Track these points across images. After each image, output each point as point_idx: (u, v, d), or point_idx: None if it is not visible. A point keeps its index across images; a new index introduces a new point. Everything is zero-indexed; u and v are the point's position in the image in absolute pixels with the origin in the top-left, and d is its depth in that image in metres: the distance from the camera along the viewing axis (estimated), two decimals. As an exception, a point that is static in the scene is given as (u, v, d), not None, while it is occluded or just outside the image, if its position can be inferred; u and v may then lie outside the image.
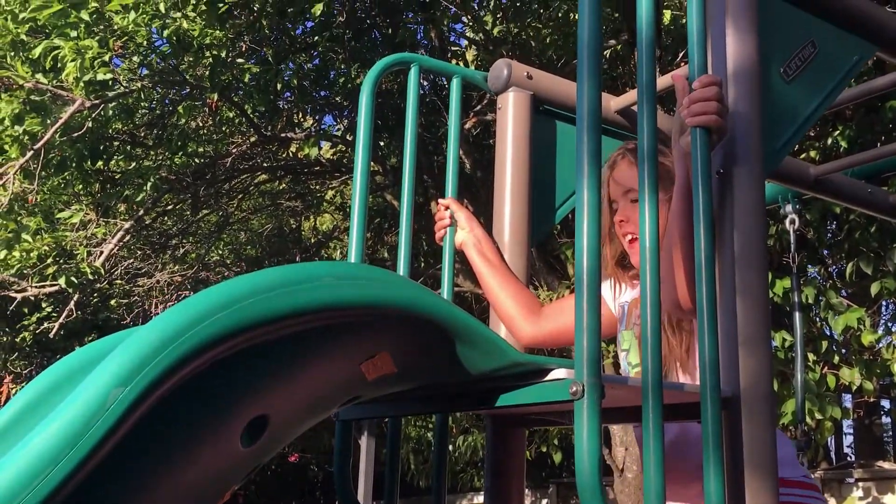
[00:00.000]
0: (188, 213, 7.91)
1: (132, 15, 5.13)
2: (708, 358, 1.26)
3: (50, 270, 5.91)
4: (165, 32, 5.35)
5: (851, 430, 12.26)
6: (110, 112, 6.18)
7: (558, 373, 1.25)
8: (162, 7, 5.23)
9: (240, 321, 0.98)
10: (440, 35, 6.68)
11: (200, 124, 7.40)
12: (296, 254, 9.13)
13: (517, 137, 1.99)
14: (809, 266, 7.06)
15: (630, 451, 6.11)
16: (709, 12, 1.48)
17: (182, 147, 6.72)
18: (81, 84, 5.14)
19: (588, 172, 1.21)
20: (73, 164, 6.18)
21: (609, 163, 1.85)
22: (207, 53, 5.61)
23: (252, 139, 7.32)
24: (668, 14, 5.96)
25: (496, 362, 1.25)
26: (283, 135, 6.99)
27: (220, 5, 5.34)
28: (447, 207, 1.97)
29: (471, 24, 6.81)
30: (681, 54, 6.10)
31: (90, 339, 9.03)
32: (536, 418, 1.74)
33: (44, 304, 8.03)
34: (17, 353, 9.41)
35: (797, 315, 2.88)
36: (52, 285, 5.99)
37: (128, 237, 6.94)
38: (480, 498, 11.09)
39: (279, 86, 6.25)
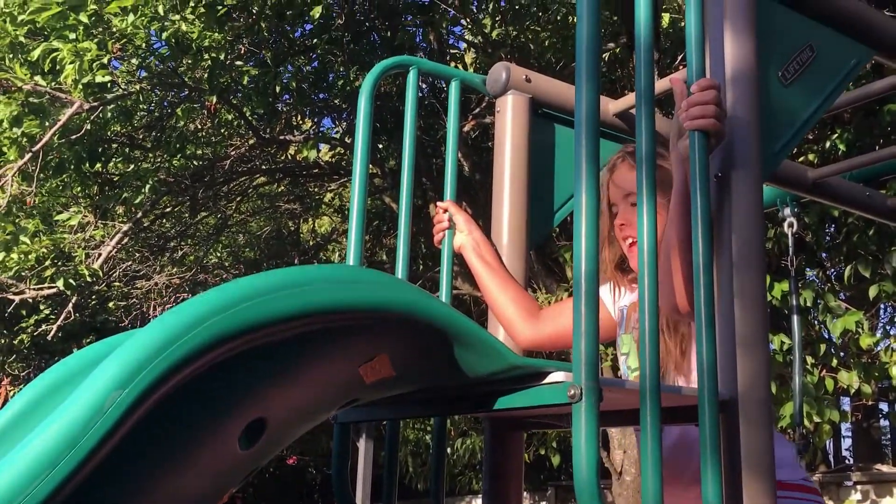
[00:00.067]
0: (186, 215, 7.91)
1: (131, 17, 5.14)
2: (706, 361, 1.26)
3: (48, 272, 5.91)
4: (164, 35, 5.36)
5: (850, 434, 12.28)
6: (109, 114, 6.18)
7: (556, 376, 1.25)
8: (161, 9, 5.24)
9: (238, 324, 0.98)
10: (439, 38, 6.69)
11: (199, 127, 7.40)
12: (294, 256, 9.13)
13: (516, 140, 1.99)
14: (808, 269, 7.06)
15: (628, 454, 6.11)
16: (707, 16, 1.49)
17: (180, 149, 6.72)
18: (80, 86, 5.14)
19: (586, 176, 1.22)
20: (72, 167, 6.18)
21: (608, 166, 1.84)
22: (206, 56, 5.61)
23: (251, 141, 7.32)
24: (666, 17, 5.97)
25: (494, 365, 1.25)
26: (281, 137, 7.00)
27: (219, 8, 5.35)
28: (446, 210, 1.97)
29: (470, 26, 6.82)
30: (679, 57, 6.12)
31: (88, 341, 9.03)
32: (535, 421, 1.74)
33: (42, 307, 8.03)
34: (14, 356, 9.40)
35: (795, 318, 2.88)
36: (50, 287, 5.99)
37: (126, 239, 6.94)
38: (479, 501, 11.08)
39: (278, 88, 6.26)
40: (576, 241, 1.20)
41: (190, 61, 5.70)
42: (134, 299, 8.01)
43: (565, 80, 2.13)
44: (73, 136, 5.78)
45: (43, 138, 5.48)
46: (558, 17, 6.34)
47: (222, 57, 5.67)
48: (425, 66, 2.02)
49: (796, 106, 1.56)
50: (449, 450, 7.94)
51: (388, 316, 1.14)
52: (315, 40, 6.36)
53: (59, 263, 6.01)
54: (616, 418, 1.53)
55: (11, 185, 5.73)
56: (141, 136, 7.04)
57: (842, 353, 5.53)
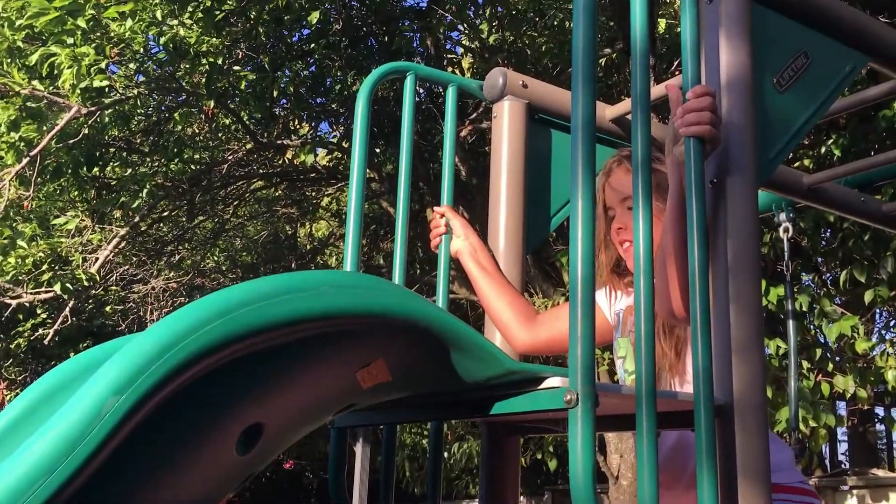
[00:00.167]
0: (184, 219, 7.91)
1: (129, 22, 5.15)
2: (702, 366, 1.27)
3: (45, 277, 5.90)
4: (162, 40, 5.37)
5: (846, 438, 12.28)
6: (106, 119, 6.18)
7: (553, 381, 1.25)
8: (159, 14, 5.24)
9: (236, 330, 0.98)
10: (436, 43, 6.70)
11: (196, 131, 7.40)
12: (291, 260, 9.12)
13: (512, 146, 2.00)
14: (803, 274, 7.08)
15: (625, 459, 6.11)
16: (702, 23, 1.50)
17: (178, 154, 6.72)
18: (78, 91, 5.14)
19: (582, 181, 1.22)
20: (69, 171, 6.17)
21: (604, 170, 1.85)
22: (204, 60, 5.62)
23: (248, 146, 7.33)
24: (662, 23, 5.99)
25: (491, 370, 1.25)
26: (279, 142, 7.00)
27: (217, 13, 5.35)
28: (443, 215, 1.97)
29: (467, 32, 6.83)
30: (675, 62, 6.13)
31: (85, 345, 9.01)
32: (531, 426, 1.75)
33: (39, 311, 8.02)
34: (11, 360, 9.38)
35: (791, 323, 2.89)
36: (47, 292, 5.98)
37: (123, 243, 6.93)
38: (476, 505, 11.07)
39: (275, 93, 6.27)
40: (572, 246, 1.21)
41: (188, 66, 5.70)
42: (131, 303, 8.00)
43: (562, 86, 2.13)
44: (71, 141, 5.78)
45: (41, 143, 5.47)
46: (555, 23, 6.36)
47: (220, 62, 5.67)
48: (422, 71, 2.02)
49: (791, 112, 1.57)
50: (446, 454, 7.94)
51: (386, 321, 1.14)
52: (312, 45, 6.37)
53: (57, 267, 6.00)
54: (612, 423, 1.53)
55: (9, 190, 5.73)
56: (138, 141, 7.04)
57: (837, 358, 5.54)
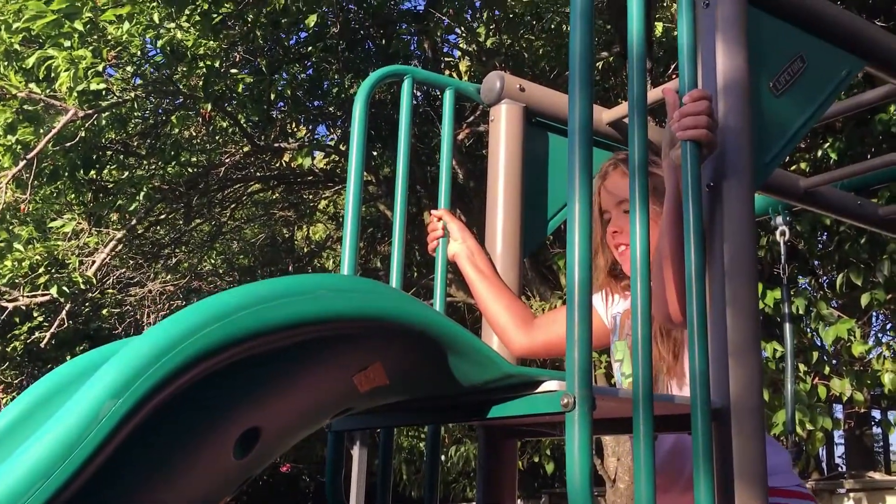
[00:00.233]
0: (181, 222, 7.90)
1: (126, 25, 5.15)
2: (698, 369, 1.27)
3: (42, 280, 5.89)
4: (159, 43, 5.37)
5: (842, 441, 12.29)
6: (103, 122, 6.18)
7: (550, 385, 1.25)
8: (156, 17, 5.24)
9: (234, 333, 0.98)
10: (433, 46, 6.71)
11: (194, 134, 7.40)
12: (288, 263, 9.12)
13: (510, 149, 2.00)
14: (800, 277, 7.09)
15: (622, 462, 6.11)
16: (699, 27, 1.50)
17: (175, 157, 6.72)
18: (75, 94, 5.14)
19: (580, 184, 1.22)
20: (66, 174, 6.17)
21: (600, 173, 1.85)
22: (201, 63, 5.62)
23: (245, 149, 7.32)
24: (659, 26, 6.00)
25: (488, 374, 1.26)
26: (276, 145, 7.00)
27: (214, 16, 5.36)
28: (440, 219, 1.97)
29: (464, 35, 6.84)
30: (672, 66, 6.14)
31: (81, 348, 9.00)
32: (529, 429, 1.75)
33: (35, 314, 8.01)
34: (7, 363, 9.36)
35: (788, 326, 2.89)
36: (43, 295, 5.98)
37: (120, 246, 6.93)
38: (473, 508, 11.06)
39: (273, 96, 6.27)
40: (569, 249, 1.21)
41: (185, 69, 5.70)
42: (128, 307, 7.99)
43: (559, 89, 2.14)
44: (68, 144, 5.78)
45: (37, 146, 5.47)
46: (552, 26, 6.37)
47: (217, 64, 5.68)
48: (420, 75, 2.03)
49: (788, 116, 1.57)
50: (443, 457, 7.93)
51: (383, 325, 1.14)
52: (310, 48, 6.38)
53: (53, 271, 5.99)
54: (609, 426, 1.54)
55: (5, 193, 5.72)
56: (135, 144, 7.04)
57: (834, 361, 5.55)
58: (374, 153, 6.82)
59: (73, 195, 6.80)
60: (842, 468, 11.46)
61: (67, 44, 5.06)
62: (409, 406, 1.47)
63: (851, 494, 7.29)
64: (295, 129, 7.32)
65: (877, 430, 12.02)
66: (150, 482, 0.99)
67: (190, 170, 7.28)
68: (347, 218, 1.81)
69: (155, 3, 5.25)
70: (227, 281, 8.87)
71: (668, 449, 1.73)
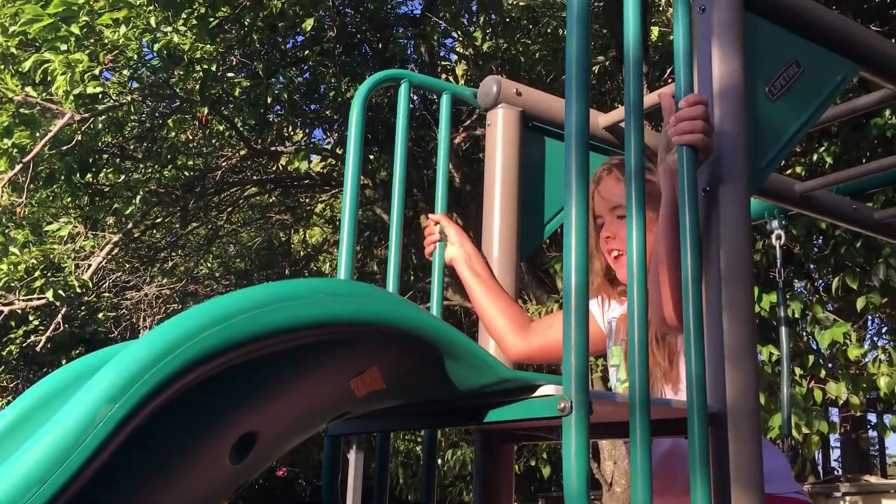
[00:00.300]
0: (177, 226, 7.90)
1: (123, 29, 5.15)
2: (695, 374, 1.27)
3: (37, 283, 5.88)
4: (156, 46, 5.37)
5: (838, 445, 12.30)
6: (100, 125, 6.18)
7: (546, 389, 1.25)
8: (153, 21, 5.25)
9: (232, 337, 0.98)
10: (430, 50, 6.72)
11: (190, 137, 7.40)
12: (285, 267, 9.11)
13: (506, 153, 2.01)
14: (796, 281, 7.10)
15: (619, 465, 6.11)
16: (695, 31, 1.51)
17: (171, 160, 6.72)
18: (71, 97, 5.14)
19: (576, 189, 1.23)
20: (62, 177, 6.17)
21: (594, 178, 1.85)
22: (198, 67, 5.63)
23: (242, 152, 7.33)
24: (655, 31, 6.02)
25: (484, 378, 1.26)
26: (272, 148, 7.00)
27: (211, 20, 5.36)
28: (437, 223, 1.97)
29: (461, 39, 6.85)
30: (668, 71, 6.16)
31: (77, 352, 8.99)
32: (525, 433, 1.75)
33: (31, 318, 7.99)
34: (3, 367, 9.34)
35: (784, 330, 2.90)
36: (39, 298, 5.97)
37: (116, 250, 6.92)
38: (469, 512, 11.05)
39: (269, 99, 6.27)
40: (565, 253, 1.21)
41: (182, 72, 5.71)
42: (124, 310, 7.98)
43: (556, 93, 2.14)
44: (64, 147, 5.77)
45: (34, 149, 5.47)
46: (548, 31, 6.38)
47: (214, 68, 5.68)
48: (416, 79, 2.03)
49: (783, 121, 1.58)
50: (440, 461, 7.93)
51: (380, 329, 1.14)
52: (307, 52, 6.38)
53: (49, 274, 5.98)
54: (606, 430, 1.54)
55: (1, 196, 5.72)
56: (132, 147, 7.03)
57: (830, 365, 5.56)
58: (371, 157, 6.83)
59: (69, 199, 6.79)
60: (838, 472, 11.46)
61: (64, 47, 5.06)
62: (406, 410, 1.47)
63: (847, 498, 7.30)
64: (291, 133, 7.32)
65: (872, 433, 12.04)
66: (147, 486, 0.98)
67: (186, 173, 7.28)
68: (344, 221, 1.81)
69: (152, 7, 5.25)
70: (224, 284, 8.86)
71: (665, 452, 1.73)
